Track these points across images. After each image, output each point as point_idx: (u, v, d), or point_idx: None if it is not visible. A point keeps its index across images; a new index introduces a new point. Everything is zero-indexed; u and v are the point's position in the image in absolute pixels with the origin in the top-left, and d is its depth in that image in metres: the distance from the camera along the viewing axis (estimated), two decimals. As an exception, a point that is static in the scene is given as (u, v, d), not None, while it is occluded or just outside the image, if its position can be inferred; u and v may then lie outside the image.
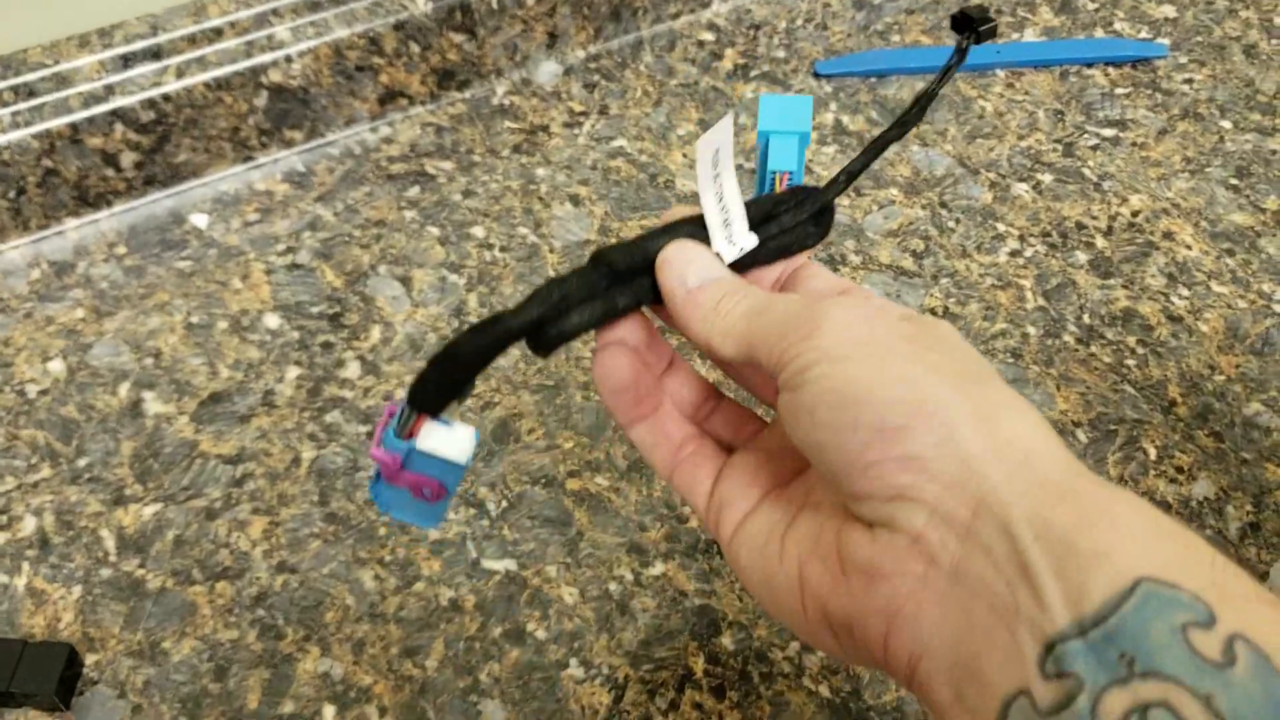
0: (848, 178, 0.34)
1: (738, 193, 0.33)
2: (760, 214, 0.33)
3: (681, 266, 0.32)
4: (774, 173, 0.42)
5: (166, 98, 0.58)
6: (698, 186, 0.33)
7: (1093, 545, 0.23)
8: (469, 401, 0.53)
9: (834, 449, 0.27)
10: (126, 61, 0.58)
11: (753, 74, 0.69)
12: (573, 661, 0.46)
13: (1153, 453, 0.53)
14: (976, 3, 0.37)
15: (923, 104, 0.35)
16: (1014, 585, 0.24)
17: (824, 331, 0.28)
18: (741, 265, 0.33)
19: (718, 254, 0.33)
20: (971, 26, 0.35)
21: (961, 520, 0.25)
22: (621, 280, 0.32)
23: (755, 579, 0.31)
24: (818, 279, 0.33)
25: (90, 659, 0.45)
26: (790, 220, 0.33)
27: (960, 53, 0.35)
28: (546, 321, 0.31)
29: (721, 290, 0.31)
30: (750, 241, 0.33)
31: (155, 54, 0.58)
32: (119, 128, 0.57)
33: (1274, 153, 0.66)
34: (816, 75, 0.70)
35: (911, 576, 0.26)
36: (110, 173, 0.59)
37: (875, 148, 0.35)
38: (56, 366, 0.54)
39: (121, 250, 0.59)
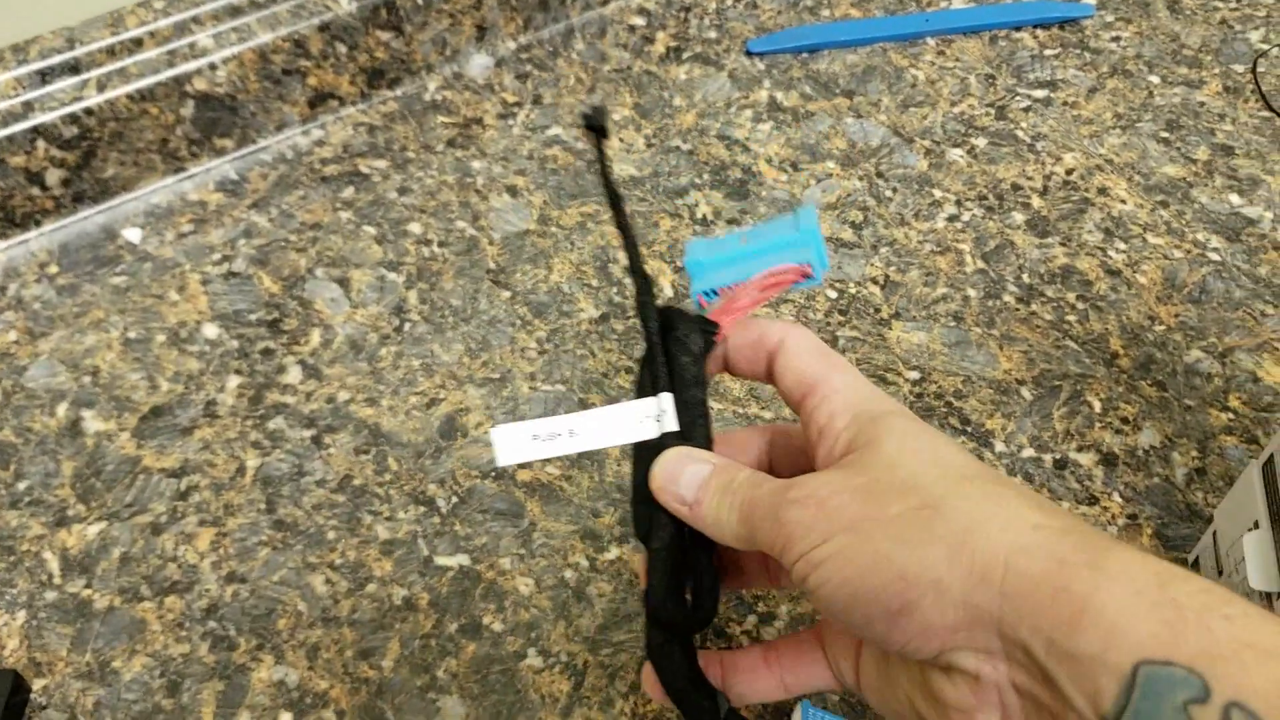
0: (637, 276, 0.37)
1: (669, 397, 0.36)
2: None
3: (672, 488, 0.34)
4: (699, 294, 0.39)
5: (89, 112, 0.57)
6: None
7: (1090, 649, 0.26)
8: (413, 398, 0.53)
9: (868, 636, 0.30)
10: (44, 77, 0.57)
11: (685, 56, 0.69)
12: (531, 651, 0.46)
13: (1097, 405, 0.53)
14: (593, 104, 0.40)
15: (610, 186, 0.38)
16: (1054, 696, 0.26)
17: (797, 536, 0.30)
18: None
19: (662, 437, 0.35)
20: (597, 127, 0.39)
21: (997, 648, 0.28)
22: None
23: (889, 714, 0.34)
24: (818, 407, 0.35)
25: (38, 684, 0.44)
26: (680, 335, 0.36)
27: (599, 146, 0.39)
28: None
29: (715, 494, 0.33)
30: (669, 404, 0.35)
31: (74, 68, 0.57)
32: (41, 145, 0.56)
33: (1202, 105, 0.66)
34: (749, 54, 0.70)
35: (993, 705, 0.28)
36: (36, 191, 0.58)
37: (626, 236, 0.37)
38: (-9, 391, 0.53)
39: (53, 269, 0.58)
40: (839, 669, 0.36)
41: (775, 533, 0.31)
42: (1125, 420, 0.53)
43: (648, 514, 0.35)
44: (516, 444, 0.35)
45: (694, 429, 0.35)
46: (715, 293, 0.38)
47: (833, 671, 0.36)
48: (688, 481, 0.34)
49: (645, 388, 0.37)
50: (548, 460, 0.51)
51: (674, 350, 0.36)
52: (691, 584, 0.36)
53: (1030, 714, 0.28)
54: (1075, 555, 0.27)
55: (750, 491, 0.33)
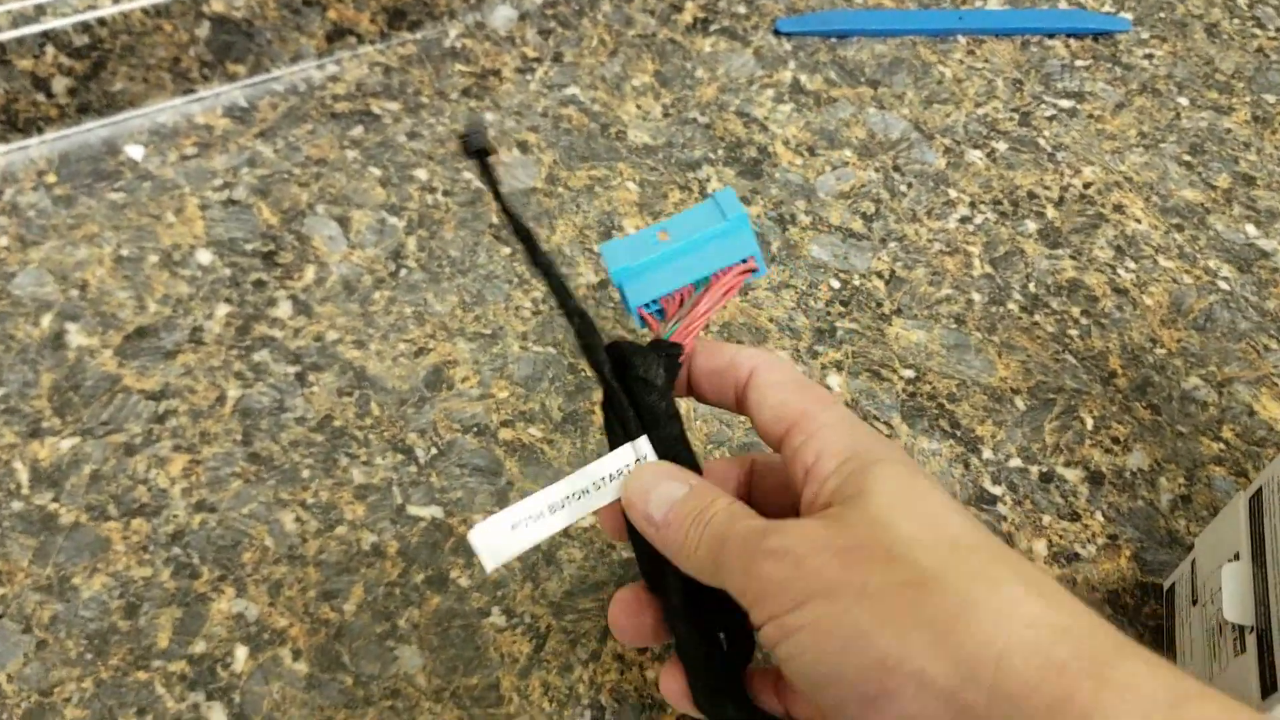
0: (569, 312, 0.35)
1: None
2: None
3: (642, 506, 0.32)
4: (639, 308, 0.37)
5: (102, 22, 0.56)
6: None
7: None
8: (402, 345, 0.52)
9: (832, 718, 0.28)
10: (61, -18, 0.56)
11: (712, 28, 0.68)
12: (495, 610, 0.45)
13: (1090, 422, 0.53)
14: (469, 122, 0.38)
15: (512, 214, 0.38)
16: None
17: (769, 593, 0.28)
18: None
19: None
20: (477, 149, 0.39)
21: None
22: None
23: None
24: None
25: (-5, 591, 0.44)
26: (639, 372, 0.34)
27: (484, 170, 0.39)
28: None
29: (685, 518, 0.31)
30: (646, 447, 0.34)
31: (91, -24, 0.56)
32: (50, 50, 0.55)
33: (1228, 131, 0.65)
34: (777, 33, 0.69)
35: None
36: (41, 98, 0.57)
37: (547, 273, 0.36)
38: (-23, 294, 0.52)
39: (51, 179, 0.57)
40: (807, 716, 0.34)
41: (745, 583, 0.29)
42: (1116, 440, 0.52)
43: (657, 567, 0.33)
44: (498, 541, 0.33)
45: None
46: (658, 303, 0.35)
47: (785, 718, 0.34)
48: (659, 500, 0.32)
49: (616, 434, 0.34)
50: (531, 423, 0.50)
51: (637, 390, 0.33)
52: (721, 625, 0.34)
53: None
54: (1076, 661, 0.25)
55: (725, 526, 0.30)
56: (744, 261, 0.35)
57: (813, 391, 0.33)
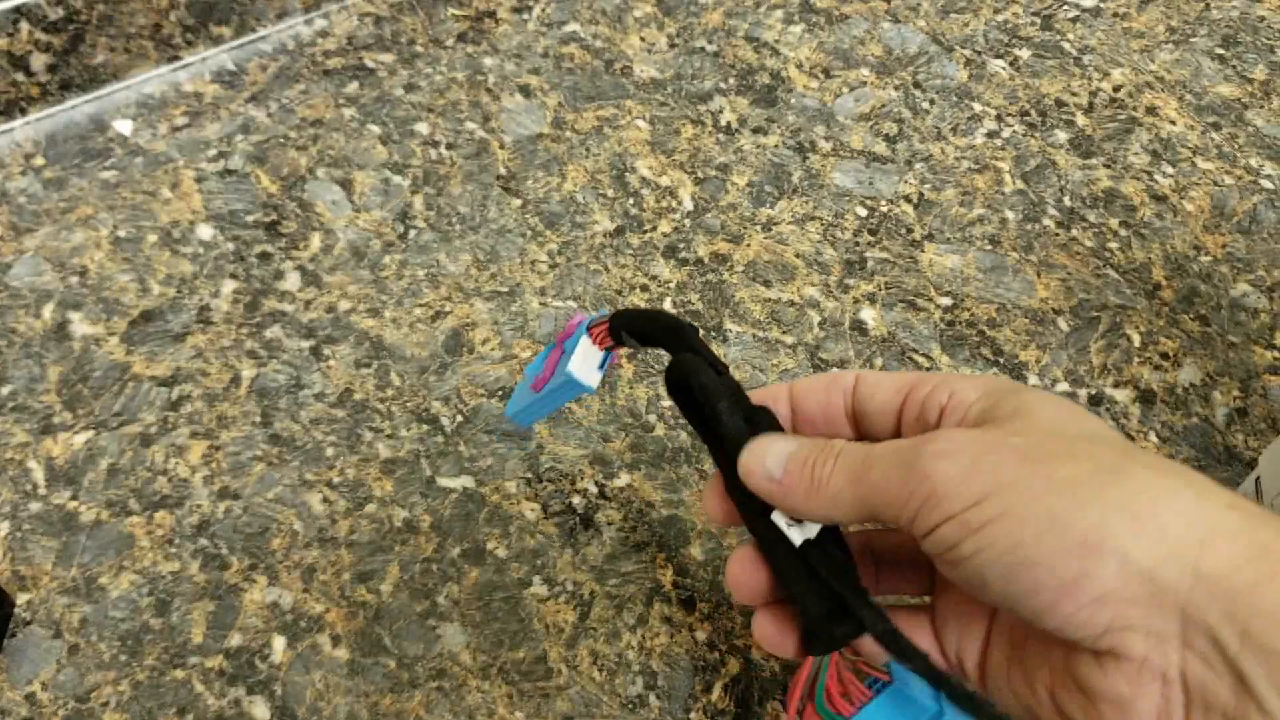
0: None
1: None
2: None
3: (758, 468, 0.31)
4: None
5: (76, -8, 0.53)
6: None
7: None
8: (418, 310, 0.50)
9: (1024, 609, 0.26)
10: (28, -47, 0.53)
11: (711, -49, 0.65)
12: (535, 579, 0.44)
13: (1137, 339, 0.51)
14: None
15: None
16: (1239, 696, 0.24)
17: (943, 493, 0.27)
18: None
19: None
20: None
21: (1174, 633, 0.25)
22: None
23: (1017, 705, 0.30)
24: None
25: (21, 598, 0.42)
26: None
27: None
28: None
29: (807, 463, 0.30)
30: None
31: (60, -56, 0.53)
32: (25, 27, 0.53)
33: (1261, 19, 0.62)
34: (779, -50, 0.65)
35: (1154, 698, 0.25)
36: (21, 77, 0.54)
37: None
38: (-26, 288, 0.50)
39: (39, 161, 0.55)
40: (956, 653, 0.32)
41: (908, 490, 0.27)
42: (1165, 356, 0.50)
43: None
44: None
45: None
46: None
47: (945, 656, 0.32)
48: (775, 458, 0.31)
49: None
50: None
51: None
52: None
53: (1197, 712, 0.25)
54: (1270, 563, 0.24)
55: (860, 452, 0.29)
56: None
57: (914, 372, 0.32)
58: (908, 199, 0.55)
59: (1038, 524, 0.26)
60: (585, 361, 0.35)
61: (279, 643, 0.42)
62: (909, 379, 0.32)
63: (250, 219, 0.53)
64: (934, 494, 0.27)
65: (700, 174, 0.55)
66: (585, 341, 0.35)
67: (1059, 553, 0.25)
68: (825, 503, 0.29)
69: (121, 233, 0.52)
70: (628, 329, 0.34)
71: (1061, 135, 0.57)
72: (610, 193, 0.54)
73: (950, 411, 0.30)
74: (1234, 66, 0.60)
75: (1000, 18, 0.62)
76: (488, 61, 0.59)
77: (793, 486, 0.30)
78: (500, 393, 0.48)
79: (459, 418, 0.47)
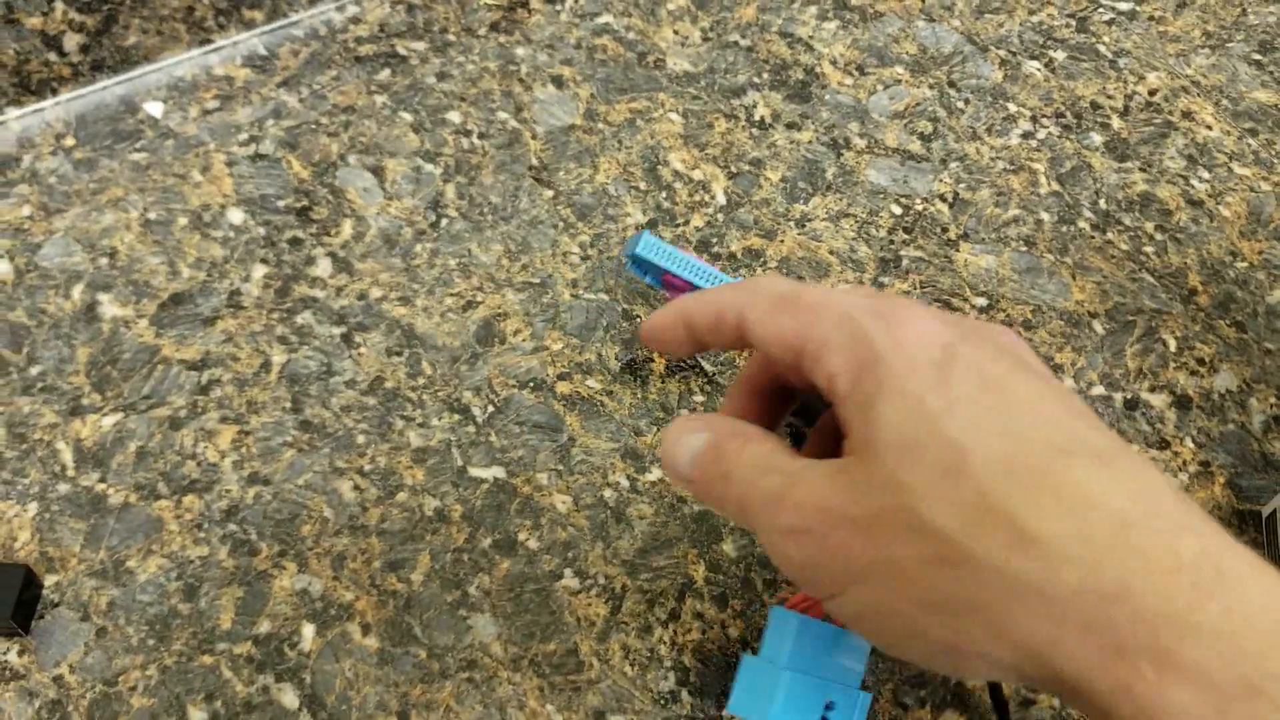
0: None
1: None
2: None
3: (672, 462, 0.31)
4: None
5: (110, -27, 0.53)
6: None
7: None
8: (449, 300, 0.50)
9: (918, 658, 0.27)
10: (64, -68, 0.53)
11: (745, -55, 0.65)
12: (567, 572, 0.43)
13: (1172, 344, 0.50)
14: None
15: None
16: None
17: (801, 580, 0.27)
18: None
19: None
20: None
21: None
22: None
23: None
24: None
25: (49, 580, 0.42)
26: None
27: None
28: None
29: (709, 474, 0.30)
30: None
31: (95, -76, 0.53)
32: (59, 6, 0.52)
33: (1299, 25, 0.62)
34: (813, -53, 0.65)
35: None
36: (53, 57, 0.54)
37: None
38: (3, 268, 0.50)
39: (70, 142, 0.54)
40: None
41: (779, 563, 0.27)
42: (1201, 361, 0.50)
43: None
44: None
45: None
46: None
47: None
48: (686, 455, 0.30)
49: None
50: (588, 374, 0.48)
51: None
52: None
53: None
54: (1134, 638, 0.23)
55: (746, 487, 0.28)
56: None
57: (805, 300, 0.28)
58: (942, 198, 0.54)
59: (899, 629, 0.26)
60: None
61: (308, 630, 0.42)
62: (790, 334, 0.28)
63: (281, 204, 0.52)
64: (797, 577, 0.27)
65: (733, 168, 0.55)
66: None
67: (928, 650, 0.26)
68: (729, 518, 0.30)
69: (152, 215, 0.52)
70: None
71: (1097, 138, 0.57)
72: (643, 185, 0.54)
73: (836, 405, 0.28)
74: (1271, 72, 0.60)
75: (1035, 19, 0.62)
76: (520, 52, 0.59)
77: (701, 495, 0.30)
78: (531, 383, 0.48)
79: (490, 408, 0.47)
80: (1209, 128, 0.58)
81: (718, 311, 0.31)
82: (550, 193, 0.53)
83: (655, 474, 0.46)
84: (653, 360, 0.49)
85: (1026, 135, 0.57)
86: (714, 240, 0.52)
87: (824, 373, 0.27)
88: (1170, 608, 0.23)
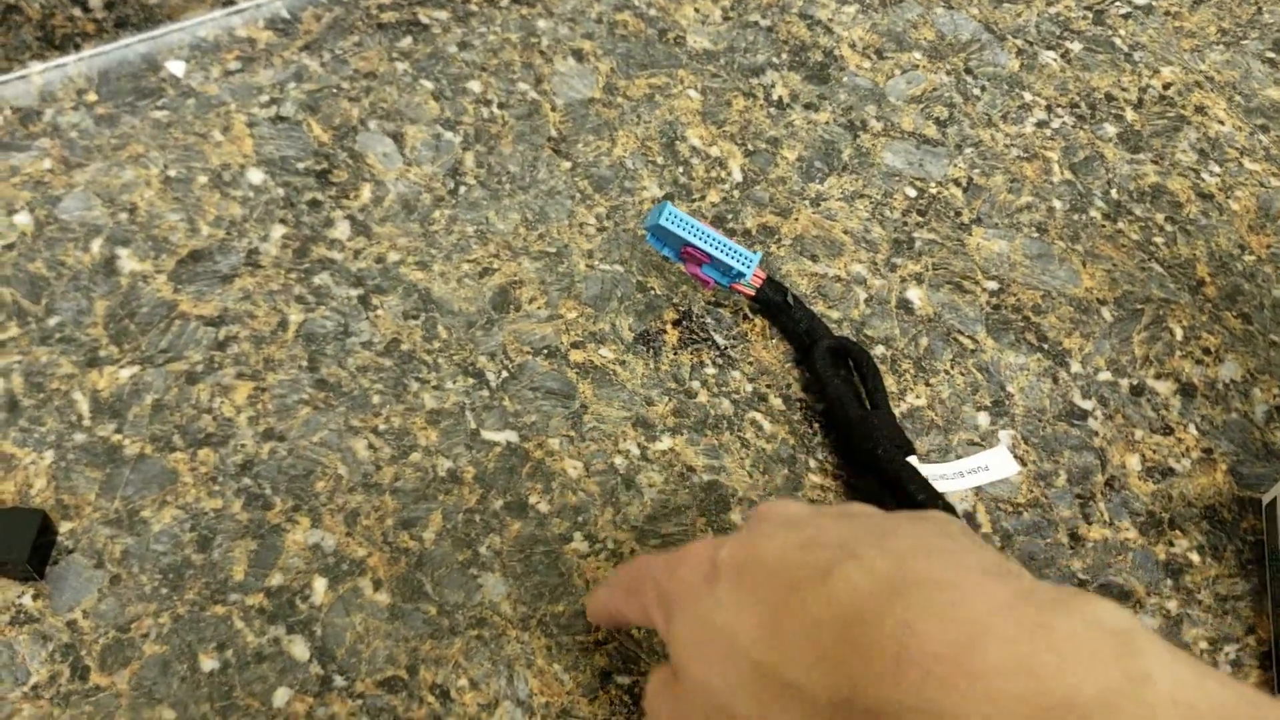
0: None
1: None
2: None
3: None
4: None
5: (137, -70, 0.53)
6: None
7: None
8: (466, 266, 0.50)
9: None
10: (92, -112, 0.53)
11: (767, -73, 0.65)
12: (576, 535, 0.44)
13: (1179, 333, 0.51)
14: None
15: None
16: None
17: None
18: None
19: None
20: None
21: None
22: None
23: None
24: None
25: (65, 527, 0.42)
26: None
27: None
28: None
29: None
30: None
31: (124, -120, 0.53)
32: (85, -39, 0.53)
33: (1314, 25, 0.62)
34: (834, -69, 0.65)
35: None
36: (78, 12, 0.54)
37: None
38: (23, 220, 0.50)
39: (92, 97, 0.54)
40: None
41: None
42: (1207, 351, 0.51)
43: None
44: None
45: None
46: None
47: None
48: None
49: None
50: (602, 343, 0.49)
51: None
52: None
53: None
54: None
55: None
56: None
57: (633, 585, 0.36)
58: (957, 182, 0.55)
59: None
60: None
61: (320, 584, 0.42)
62: (640, 620, 0.36)
63: (301, 166, 0.53)
64: None
65: (750, 146, 0.55)
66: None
67: None
68: None
69: (172, 172, 0.52)
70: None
71: (1110, 129, 0.58)
72: (660, 160, 0.54)
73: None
74: (1284, 71, 0.60)
75: (1053, 10, 0.62)
76: (541, 24, 0.59)
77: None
78: (545, 351, 0.48)
79: (504, 373, 0.47)
80: (1221, 123, 0.58)
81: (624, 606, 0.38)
82: (568, 164, 0.54)
83: (666, 443, 0.46)
84: (665, 332, 0.49)
85: (1041, 124, 0.57)
86: (729, 216, 0.53)
87: (659, 629, 0.34)
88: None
